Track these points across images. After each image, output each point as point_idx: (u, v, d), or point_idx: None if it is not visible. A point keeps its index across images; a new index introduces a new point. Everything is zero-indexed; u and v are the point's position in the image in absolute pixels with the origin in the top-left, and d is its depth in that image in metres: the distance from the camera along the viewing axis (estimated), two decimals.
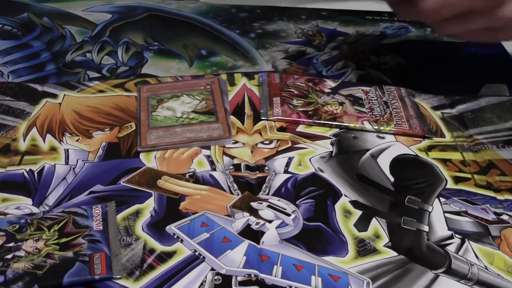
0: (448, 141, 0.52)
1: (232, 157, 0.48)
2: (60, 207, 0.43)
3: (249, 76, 0.59)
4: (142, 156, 0.48)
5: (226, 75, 0.59)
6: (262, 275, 0.38)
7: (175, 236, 0.41)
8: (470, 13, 0.45)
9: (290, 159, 0.48)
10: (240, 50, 0.64)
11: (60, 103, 0.54)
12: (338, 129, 0.52)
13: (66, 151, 0.48)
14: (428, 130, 0.52)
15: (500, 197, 0.46)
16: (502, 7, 0.43)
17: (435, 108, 0.56)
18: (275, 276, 0.38)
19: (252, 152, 0.49)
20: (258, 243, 0.40)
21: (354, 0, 0.73)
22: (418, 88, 0.58)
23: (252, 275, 0.38)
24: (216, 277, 0.38)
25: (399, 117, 0.53)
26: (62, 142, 0.49)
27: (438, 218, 0.44)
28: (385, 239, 0.42)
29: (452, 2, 0.44)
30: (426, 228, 0.43)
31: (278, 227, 0.42)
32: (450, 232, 0.43)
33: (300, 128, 0.52)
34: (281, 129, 0.52)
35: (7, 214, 0.42)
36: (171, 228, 0.41)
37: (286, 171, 0.47)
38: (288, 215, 0.43)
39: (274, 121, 0.53)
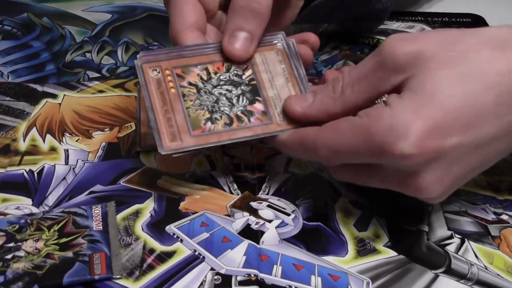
0: None
1: (232, 157, 0.48)
2: (60, 207, 0.43)
3: None
4: (142, 156, 0.48)
5: None
6: (262, 275, 0.38)
7: (175, 236, 0.41)
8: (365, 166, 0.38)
9: (290, 158, 0.48)
10: None
11: (60, 103, 0.54)
12: None
13: (66, 151, 0.48)
14: None
15: (500, 197, 0.46)
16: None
17: None
18: (275, 276, 0.38)
19: (252, 151, 0.49)
20: (258, 243, 0.40)
21: None
22: None
23: (252, 275, 0.38)
24: (216, 277, 0.38)
25: None
26: (62, 142, 0.49)
27: (437, 218, 0.44)
28: (385, 239, 0.42)
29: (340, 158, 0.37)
30: (425, 228, 0.43)
31: (278, 226, 0.42)
32: (449, 232, 0.43)
33: None
34: None
35: (7, 214, 0.42)
36: (171, 228, 0.41)
37: (286, 171, 0.47)
38: (288, 214, 0.43)
39: None
